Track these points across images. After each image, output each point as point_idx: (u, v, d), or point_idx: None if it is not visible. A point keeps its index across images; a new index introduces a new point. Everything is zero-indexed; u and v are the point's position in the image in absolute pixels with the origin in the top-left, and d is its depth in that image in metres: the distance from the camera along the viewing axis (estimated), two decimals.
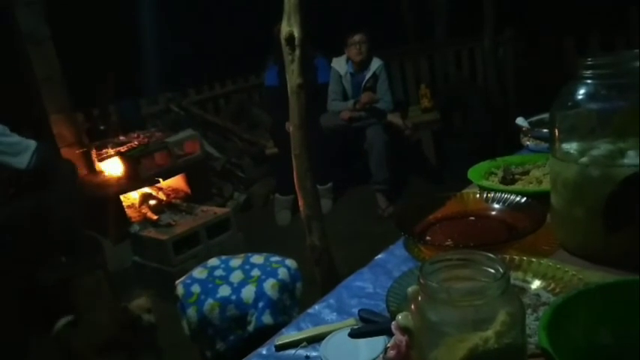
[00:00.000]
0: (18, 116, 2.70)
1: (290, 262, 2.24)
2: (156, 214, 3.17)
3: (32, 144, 2.43)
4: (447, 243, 0.99)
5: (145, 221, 3.16)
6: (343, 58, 3.98)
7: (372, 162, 3.77)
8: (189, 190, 3.53)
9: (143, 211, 3.22)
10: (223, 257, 2.32)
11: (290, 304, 2.14)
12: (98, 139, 3.47)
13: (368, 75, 3.86)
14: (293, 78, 2.35)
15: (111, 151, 3.14)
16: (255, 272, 2.15)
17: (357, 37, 3.82)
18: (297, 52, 2.31)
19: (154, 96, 4.46)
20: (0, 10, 3.13)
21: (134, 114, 3.93)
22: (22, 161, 2.42)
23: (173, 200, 3.37)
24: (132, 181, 3.12)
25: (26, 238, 2.54)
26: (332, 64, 4.01)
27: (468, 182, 1.33)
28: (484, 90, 4.40)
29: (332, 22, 4.45)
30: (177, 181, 3.50)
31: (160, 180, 3.25)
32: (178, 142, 3.38)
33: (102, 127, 3.61)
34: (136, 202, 3.31)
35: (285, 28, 2.29)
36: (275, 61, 4.02)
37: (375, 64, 3.88)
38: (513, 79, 4.35)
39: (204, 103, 4.83)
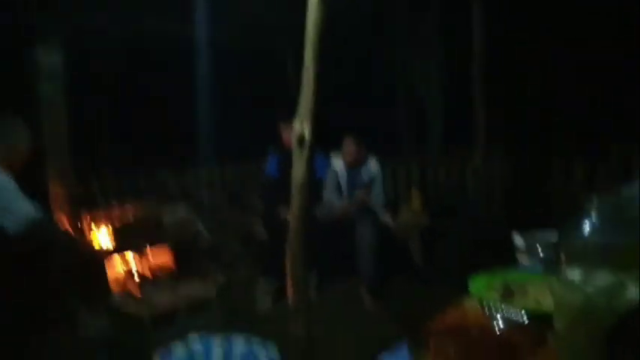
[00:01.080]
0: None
1: (270, 346, 2.22)
2: (138, 289, 3.13)
3: (31, 212, 2.40)
4: None
5: (127, 295, 3.12)
6: (340, 156, 4.16)
7: (362, 260, 3.81)
8: (173, 267, 3.50)
9: (126, 284, 3.18)
10: (204, 335, 2.29)
11: None
12: (92, 207, 3.49)
13: (365, 175, 4.02)
14: (299, 175, 2.45)
15: (104, 225, 3.15)
16: (237, 352, 2.12)
17: (346, 142, 4.04)
18: (306, 152, 2.43)
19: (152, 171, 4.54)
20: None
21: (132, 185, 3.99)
22: (11, 226, 2.37)
23: (157, 276, 3.34)
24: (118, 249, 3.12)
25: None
26: (331, 162, 4.17)
27: (452, 285, 1.37)
28: (472, 201, 4.56)
29: (330, 121, 4.68)
30: (162, 256, 3.48)
31: (147, 246, 3.25)
32: (174, 223, 3.42)
33: (96, 195, 3.64)
34: (121, 275, 3.27)
35: (297, 129, 2.43)
36: (276, 152, 4.19)
37: (373, 165, 4.05)
38: (501, 193, 4.53)
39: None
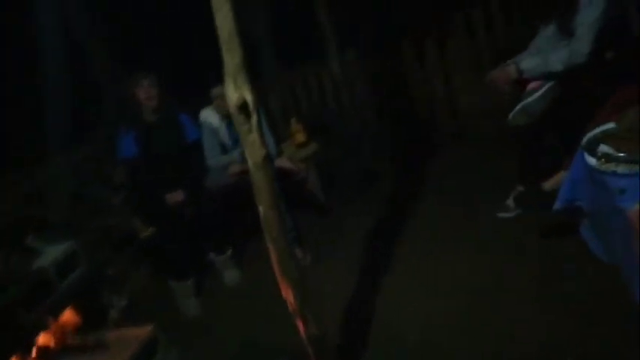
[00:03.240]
0: None
1: None
2: None
3: None
4: None
5: None
6: (211, 109, 3.53)
7: None
8: (78, 318, 2.69)
9: None
10: None
11: None
12: None
13: None
14: (255, 150, 1.93)
15: None
16: None
17: (218, 90, 3.41)
18: (254, 118, 1.90)
19: None
20: None
21: None
22: None
23: (68, 341, 2.53)
24: (15, 335, 2.23)
25: None
26: (201, 119, 3.52)
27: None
28: (341, 114, 4.39)
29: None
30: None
31: (50, 319, 2.40)
32: (56, 263, 2.55)
33: None
34: None
35: (232, 94, 1.87)
36: (130, 128, 3.37)
37: None
38: (366, 97, 4.41)
39: None
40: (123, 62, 4.50)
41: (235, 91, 1.85)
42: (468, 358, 2.19)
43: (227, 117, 3.50)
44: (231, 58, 1.84)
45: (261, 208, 1.99)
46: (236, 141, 3.52)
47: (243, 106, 1.86)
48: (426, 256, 2.99)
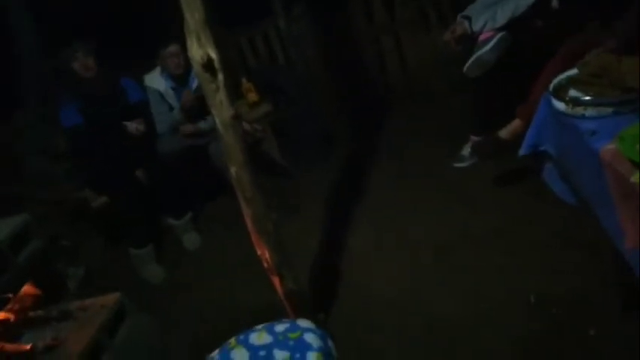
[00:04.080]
0: None
1: (304, 323, 1.86)
2: (22, 343, 2.27)
3: None
4: None
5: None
6: (157, 73, 3.38)
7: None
8: (37, 291, 2.59)
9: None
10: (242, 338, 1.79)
11: None
12: None
13: (194, 84, 3.36)
14: (223, 110, 1.90)
15: None
16: (282, 355, 1.71)
17: (172, 49, 3.28)
18: (221, 76, 1.86)
19: None
20: None
21: None
22: None
23: (28, 313, 2.45)
24: None
25: None
26: (146, 83, 3.38)
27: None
28: (291, 72, 4.33)
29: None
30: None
31: (10, 295, 2.30)
32: (10, 237, 2.42)
33: None
34: None
35: (196, 52, 1.82)
36: (71, 98, 3.21)
37: None
38: (315, 54, 4.37)
39: None
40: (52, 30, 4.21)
41: (199, 48, 1.80)
42: (435, 310, 2.22)
43: (174, 79, 3.39)
44: (193, 14, 1.78)
45: (232, 169, 1.98)
46: None
47: (208, 65, 1.82)
48: (389, 214, 3.01)
